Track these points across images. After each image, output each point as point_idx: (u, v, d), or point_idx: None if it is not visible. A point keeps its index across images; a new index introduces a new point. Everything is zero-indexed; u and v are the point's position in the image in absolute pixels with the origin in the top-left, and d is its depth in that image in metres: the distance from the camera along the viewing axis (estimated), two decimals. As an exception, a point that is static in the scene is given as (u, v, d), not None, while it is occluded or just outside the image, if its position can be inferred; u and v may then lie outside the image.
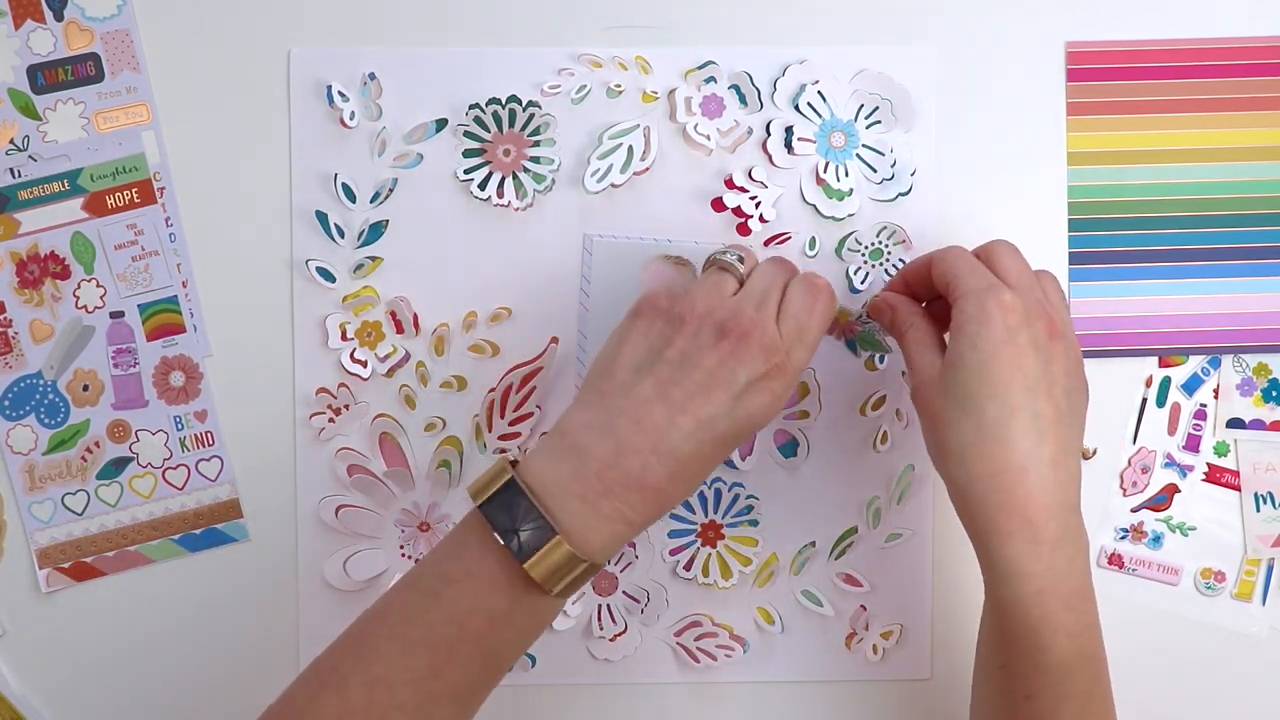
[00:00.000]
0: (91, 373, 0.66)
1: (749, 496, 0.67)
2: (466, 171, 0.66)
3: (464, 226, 0.66)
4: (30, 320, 0.66)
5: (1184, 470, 0.68)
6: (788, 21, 0.66)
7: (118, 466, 0.66)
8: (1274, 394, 0.68)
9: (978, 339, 0.54)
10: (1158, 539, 0.68)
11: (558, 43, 0.66)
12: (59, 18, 0.65)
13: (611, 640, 0.67)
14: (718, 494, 0.67)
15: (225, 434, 0.67)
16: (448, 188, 0.66)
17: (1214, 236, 0.67)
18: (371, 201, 0.66)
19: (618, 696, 0.68)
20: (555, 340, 0.66)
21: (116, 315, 0.66)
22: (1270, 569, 0.68)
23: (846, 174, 0.66)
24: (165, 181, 0.66)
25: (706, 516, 0.67)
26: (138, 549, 0.67)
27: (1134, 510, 0.68)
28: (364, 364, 0.66)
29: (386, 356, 0.66)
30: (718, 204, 0.66)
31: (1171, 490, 0.68)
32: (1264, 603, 0.68)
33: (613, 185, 0.66)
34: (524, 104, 0.65)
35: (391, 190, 0.66)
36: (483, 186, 0.66)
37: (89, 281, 0.66)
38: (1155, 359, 0.68)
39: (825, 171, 0.66)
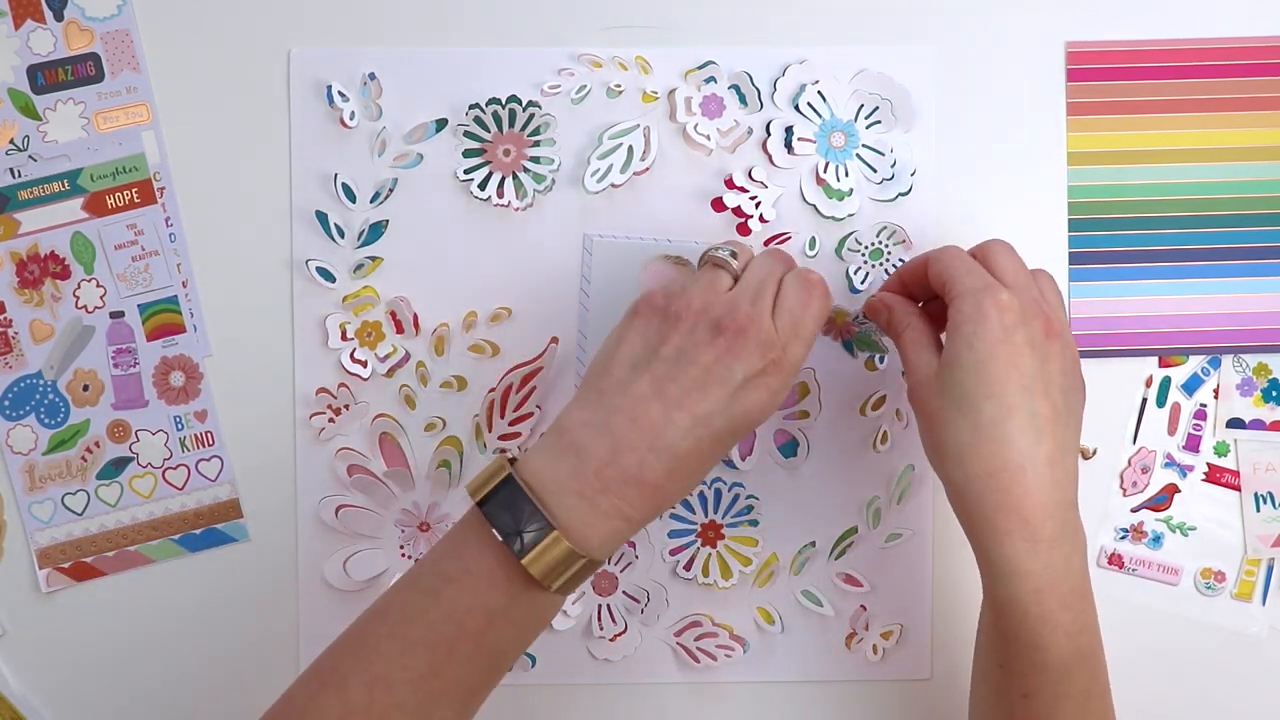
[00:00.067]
0: (91, 373, 0.66)
1: (749, 496, 0.67)
2: (466, 171, 0.66)
3: (464, 226, 0.66)
4: (30, 320, 0.66)
5: (1184, 470, 0.68)
6: (788, 21, 0.66)
7: (118, 466, 0.66)
8: (1274, 394, 0.68)
9: (974, 339, 0.54)
10: (1158, 539, 0.68)
11: (558, 43, 0.66)
12: (59, 18, 0.65)
13: (611, 640, 0.67)
14: (718, 494, 0.67)
15: (225, 434, 0.67)
16: (448, 188, 0.66)
17: (1214, 236, 0.67)
18: (371, 201, 0.66)
19: (618, 696, 0.68)
20: (555, 340, 0.66)
21: (116, 315, 0.66)
22: (1270, 569, 0.68)
23: (846, 174, 0.66)
24: (165, 181, 0.66)
25: (706, 516, 0.67)
26: (138, 549, 0.67)
27: (1134, 510, 0.68)
28: (364, 364, 0.66)
29: (386, 356, 0.66)
30: (718, 204, 0.66)
31: (1171, 490, 0.68)
32: (1264, 603, 0.68)
33: (613, 185, 0.66)
34: (524, 104, 0.65)
35: (391, 190, 0.66)
36: (483, 186, 0.66)
37: (89, 281, 0.66)
38: (1155, 359, 0.68)
39: (825, 171, 0.66)
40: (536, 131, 0.66)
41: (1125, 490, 0.68)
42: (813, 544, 0.67)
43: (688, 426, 0.53)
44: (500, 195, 0.66)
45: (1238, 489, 0.68)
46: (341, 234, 0.66)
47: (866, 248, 0.66)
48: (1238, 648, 0.68)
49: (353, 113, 0.65)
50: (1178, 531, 0.68)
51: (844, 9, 0.66)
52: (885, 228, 0.66)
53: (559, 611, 0.61)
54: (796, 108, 0.66)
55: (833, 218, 0.66)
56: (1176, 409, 0.68)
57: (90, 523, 0.66)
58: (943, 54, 0.66)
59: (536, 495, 0.52)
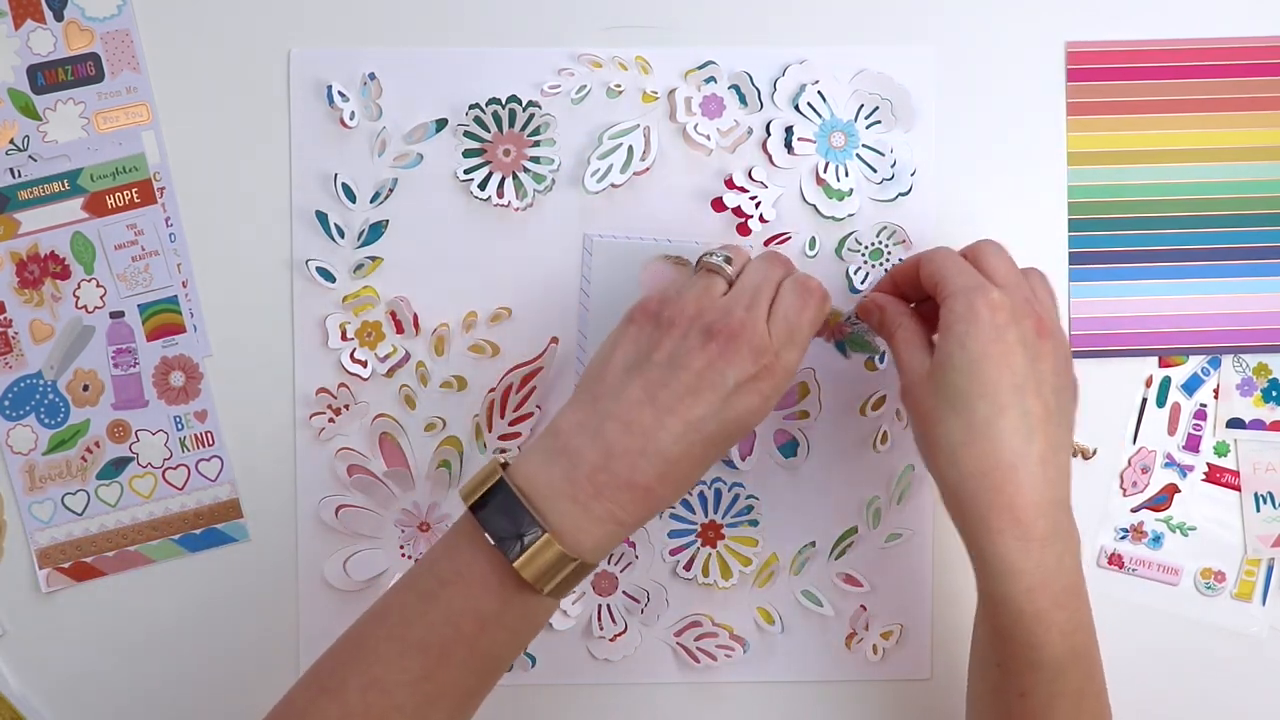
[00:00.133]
0: (91, 373, 0.66)
1: (749, 496, 0.67)
2: (466, 171, 0.66)
3: (464, 226, 0.66)
4: (30, 320, 0.66)
5: (1184, 470, 0.68)
6: (788, 21, 0.66)
7: (118, 466, 0.66)
8: (1274, 394, 0.68)
9: (966, 338, 0.54)
10: (1158, 539, 0.68)
11: (558, 43, 0.66)
12: (59, 18, 0.65)
13: (611, 640, 0.67)
14: (718, 494, 0.67)
15: (225, 434, 0.67)
16: (448, 188, 0.66)
17: (1214, 236, 0.67)
18: (371, 201, 0.66)
19: (618, 696, 0.68)
20: (555, 340, 0.66)
21: (116, 315, 0.66)
22: (1270, 569, 0.68)
23: (846, 174, 0.66)
24: (165, 181, 0.66)
25: (706, 516, 0.67)
26: (138, 549, 0.67)
27: (1134, 510, 0.68)
28: (364, 364, 0.66)
29: (386, 356, 0.66)
30: (718, 204, 0.66)
31: (1171, 490, 0.68)
32: (1264, 603, 0.68)
33: (613, 185, 0.66)
34: (524, 104, 0.65)
35: (391, 190, 0.66)
36: (483, 186, 0.66)
37: (89, 281, 0.66)
38: (1155, 359, 0.68)
39: (825, 171, 0.66)
40: (536, 131, 0.66)
41: (1125, 490, 0.68)
42: (813, 544, 0.67)
43: (680, 431, 0.53)
44: (500, 195, 0.66)
45: (1238, 489, 0.68)
46: (341, 234, 0.66)
47: (866, 248, 0.66)
48: (1238, 648, 0.68)
49: (353, 113, 0.65)
50: (1178, 531, 0.68)
51: (844, 9, 0.66)
52: (885, 228, 0.66)
53: (553, 615, 0.61)
54: (796, 108, 0.66)
55: (833, 218, 0.66)
56: (1176, 409, 0.68)
57: (90, 523, 0.66)
58: (943, 54, 0.66)
59: (529, 499, 0.52)
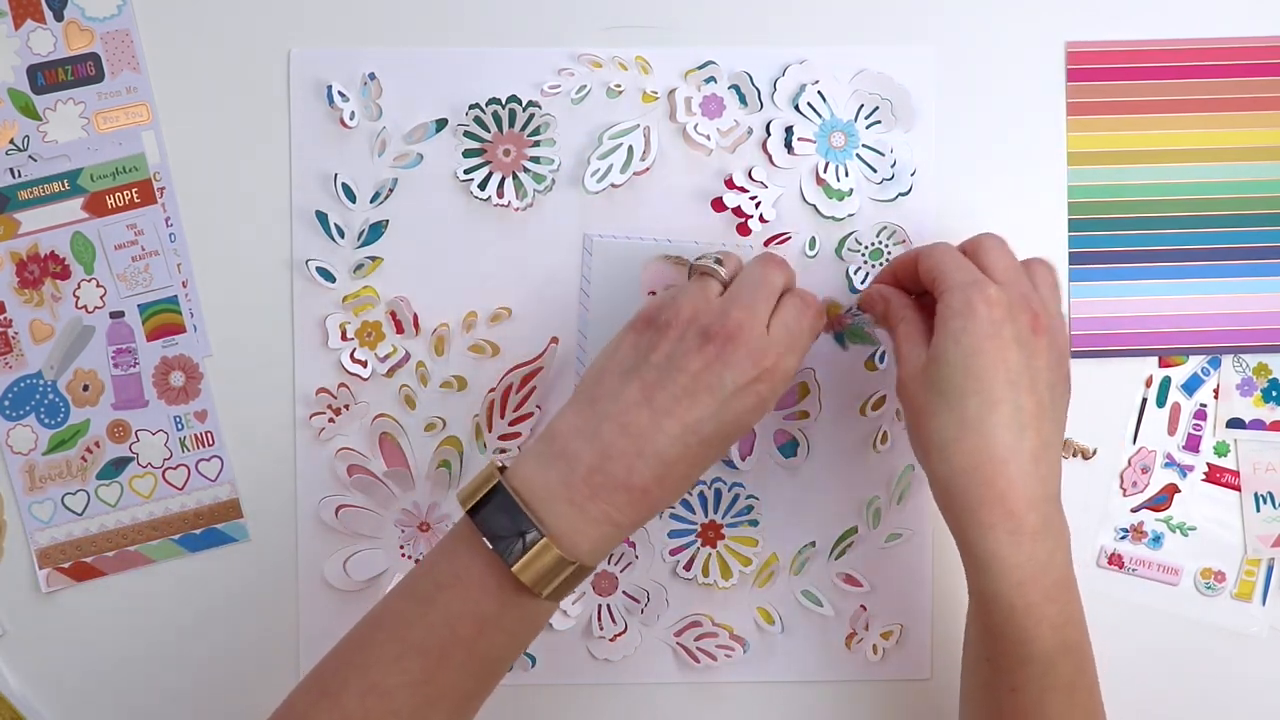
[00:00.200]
0: (91, 373, 0.66)
1: (749, 496, 0.67)
2: (466, 171, 0.66)
3: (464, 226, 0.66)
4: (30, 320, 0.66)
5: (1184, 470, 0.68)
6: (788, 21, 0.66)
7: (118, 466, 0.66)
8: (1274, 394, 0.68)
9: (961, 333, 0.54)
10: (1158, 539, 0.68)
11: (558, 43, 0.66)
12: (59, 18, 0.65)
13: (611, 640, 0.67)
14: (718, 494, 0.67)
15: (225, 434, 0.67)
16: (448, 188, 0.66)
17: (1214, 236, 0.67)
18: (371, 201, 0.66)
19: (618, 696, 0.68)
20: (555, 340, 0.66)
21: (116, 315, 0.66)
22: (1270, 569, 0.68)
23: (846, 174, 0.66)
24: (165, 181, 0.66)
25: (706, 516, 0.67)
26: (138, 549, 0.67)
27: (1134, 510, 0.68)
28: (364, 364, 0.66)
29: (386, 356, 0.66)
30: (718, 204, 0.66)
31: (1171, 490, 0.68)
32: (1264, 603, 0.68)
33: (613, 185, 0.66)
34: (524, 104, 0.65)
35: (391, 190, 0.66)
36: (483, 186, 0.66)
37: (89, 281, 0.66)
38: (1155, 359, 0.68)
39: (825, 171, 0.66)
40: (536, 131, 0.66)
41: (1125, 490, 0.68)
42: (813, 544, 0.67)
43: (677, 434, 0.53)
44: (500, 195, 0.66)
45: (1238, 489, 0.68)
46: (341, 234, 0.66)
47: (866, 248, 0.66)
48: (1238, 648, 0.68)
49: (353, 113, 0.65)
50: (1178, 531, 0.68)
51: (844, 9, 0.66)
52: (885, 228, 0.66)
53: (552, 617, 0.60)
54: (796, 108, 0.66)
55: (833, 218, 0.66)
56: (1176, 409, 0.68)
57: (90, 523, 0.66)
58: (943, 54, 0.66)
59: (526, 502, 0.52)
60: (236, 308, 0.66)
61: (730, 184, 0.66)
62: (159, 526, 0.67)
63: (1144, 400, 0.68)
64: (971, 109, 0.67)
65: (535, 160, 0.66)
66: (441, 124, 0.66)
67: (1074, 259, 0.67)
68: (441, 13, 0.66)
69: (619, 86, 0.66)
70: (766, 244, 0.66)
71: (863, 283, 0.66)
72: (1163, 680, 0.68)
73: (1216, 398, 0.68)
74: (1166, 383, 0.68)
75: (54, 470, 0.66)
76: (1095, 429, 0.67)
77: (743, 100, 0.66)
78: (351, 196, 0.66)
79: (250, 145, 0.66)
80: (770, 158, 0.66)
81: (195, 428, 0.67)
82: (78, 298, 0.66)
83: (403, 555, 0.67)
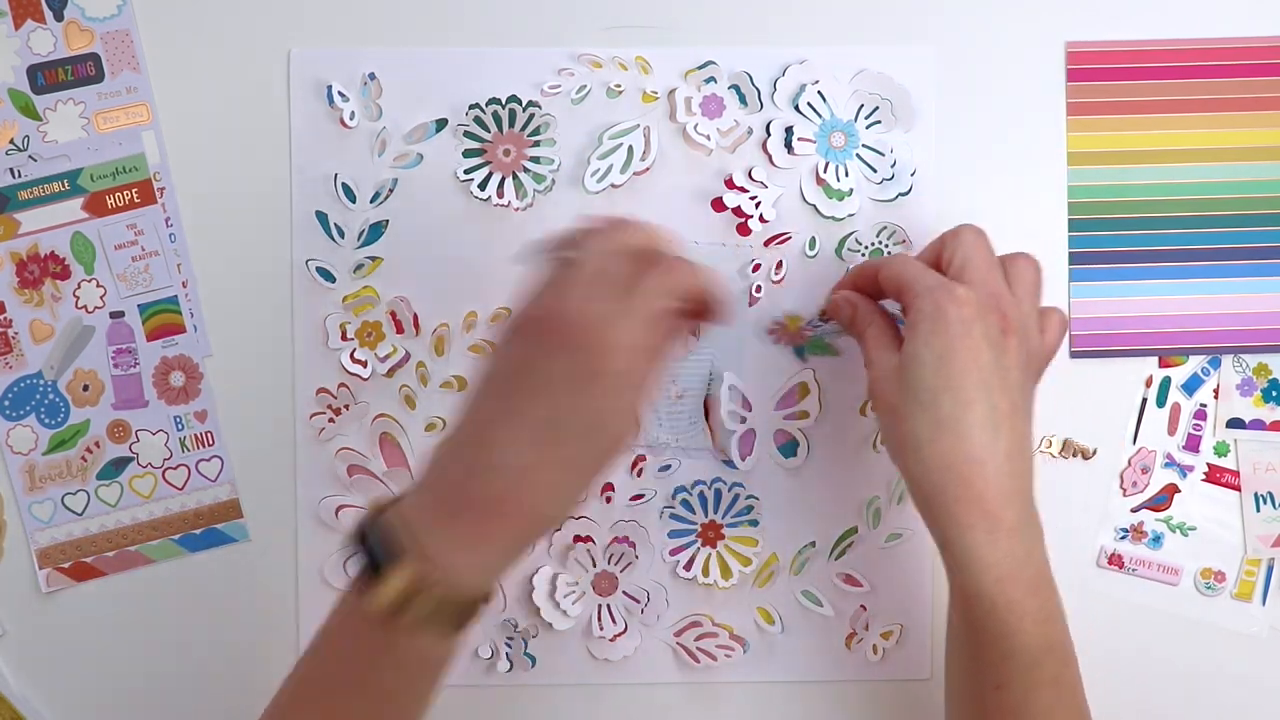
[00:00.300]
0: (91, 373, 0.66)
1: (749, 496, 0.67)
2: (466, 171, 0.66)
3: (464, 226, 0.66)
4: (30, 320, 0.66)
5: (1184, 470, 0.68)
6: (788, 21, 0.66)
7: (118, 466, 0.66)
8: (1274, 394, 0.68)
9: (932, 334, 0.55)
10: (1158, 539, 0.68)
11: (558, 43, 0.66)
12: (59, 18, 0.65)
13: (611, 640, 0.67)
14: (718, 494, 0.67)
15: (225, 434, 0.67)
16: (448, 188, 0.66)
17: (1215, 236, 0.67)
18: (371, 201, 0.66)
19: (618, 696, 0.68)
20: (555, 340, 0.66)
21: (116, 315, 0.66)
22: (1270, 569, 0.68)
23: (846, 174, 0.66)
24: (165, 181, 0.66)
25: (706, 516, 0.67)
26: (138, 549, 0.67)
27: (1134, 510, 0.68)
28: (364, 364, 0.66)
29: (386, 356, 0.66)
30: (718, 204, 0.66)
31: (1171, 490, 0.68)
32: (1264, 603, 0.68)
33: (613, 185, 0.66)
34: (524, 104, 0.65)
35: (391, 190, 0.66)
36: (483, 186, 0.66)
37: (89, 281, 0.66)
38: (1155, 359, 0.68)
39: (825, 171, 0.66)
40: (536, 131, 0.66)
41: (1125, 490, 0.68)
42: (813, 544, 0.67)
43: (526, 437, 0.49)
44: (500, 195, 0.66)
45: (1238, 489, 0.68)
46: (341, 234, 0.66)
47: (866, 248, 0.66)
48: (1238, 648, 0.68)
49: (353, 113, 0.65)
50: (1178, 531, 0.68)
51: (844, 9, 0.66)
52: (885, 228, 0.66)
53: (455, 652, 0.52)
54: (796, 108, 0.66)
55: (833, 218, 0.66)
56: (1176, 409, 0.68)
57: (90, 523, 0.66)
58: (943, 54, 0.66)
59: (396, 531, 0.49)
60: (236, 308, 0.66)
61: (730, 184, 0.66)
62: (159, 526, 0.67)
63: (1144, 400, 0.68)
64: (971, 109, 0.67)
65: (535, 160, 0.66)
66: (441, 124, 0.66)
67: (1074, 259, 0.67)
68: (441, 13, 0.66)
69: (619, 86, 0.66)
70: (767, 244, 0.66)
71: (863, 283, 0.66)
72: (1163, 680, 0.68)
73: (1216, 398, 0.68)
74: (1166, 383, 0.68)
75: (54, 470, 0.66)
76: (1095, 429, 0.67)
77: (743, 100, 0.66)
78: (351, 196, 0.66)
79: (250, 145, 0.66)
80: (770, 158, 0.66)
81: (195, 428, 0.67)
82: (78, 298, 0.66)
83: (403, 555, 0.67)
